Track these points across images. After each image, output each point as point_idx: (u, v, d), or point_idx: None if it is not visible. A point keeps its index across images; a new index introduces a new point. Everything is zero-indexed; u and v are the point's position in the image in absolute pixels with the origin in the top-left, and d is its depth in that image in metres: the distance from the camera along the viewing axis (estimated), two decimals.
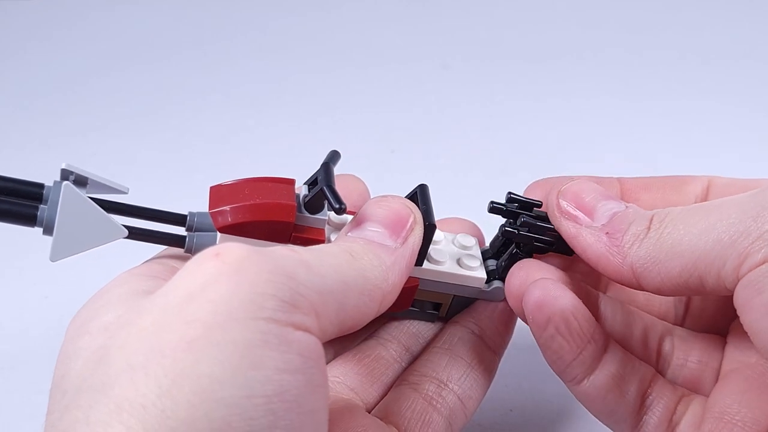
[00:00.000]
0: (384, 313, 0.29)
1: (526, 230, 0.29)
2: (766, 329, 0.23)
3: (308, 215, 0.28)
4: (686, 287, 0.26)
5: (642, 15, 0.74)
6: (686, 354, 0.30)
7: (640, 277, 0.26)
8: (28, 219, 0.26)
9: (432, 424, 0.28)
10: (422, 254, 0.28)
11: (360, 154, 0.54)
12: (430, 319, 0.31)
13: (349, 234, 0.26)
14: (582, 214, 0.28)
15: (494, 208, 0.30)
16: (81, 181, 0.28)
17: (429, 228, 0.27)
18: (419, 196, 0.28)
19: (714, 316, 0.31)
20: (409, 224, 0.26)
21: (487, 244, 0.32)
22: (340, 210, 0.26)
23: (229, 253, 0.21)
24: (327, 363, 0.30)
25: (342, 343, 0.31)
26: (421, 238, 0.27)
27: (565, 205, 0.29)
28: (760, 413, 0.27)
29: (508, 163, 0.53)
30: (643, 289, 0.27)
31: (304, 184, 0.28)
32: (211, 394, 0.19)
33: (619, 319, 0.30)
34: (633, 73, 0.64)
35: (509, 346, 0.31)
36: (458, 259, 0.30)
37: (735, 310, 0.30)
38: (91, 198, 0.27)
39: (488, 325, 0.30)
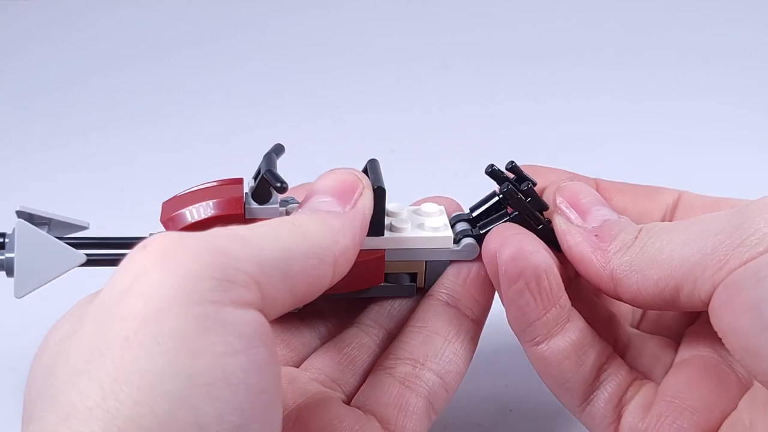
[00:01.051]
0: (360, 291, 0.29)
1: (526, 198, 0.29)
2: (743, 327, 0.23)
3: (258, 206, 0.28)
4: (661, 298, 0.26)
5: (642, 15, 0.74)
6: (641, 348, 0.30)
7: (618, 284, 0.27)
8: None
9: (409, 407, 0.27)
10: (380, 223, 0.28)
11: (360, 154, 0.54)
12: (410, 292, 0.31)
13: (299, 210, 0.26)
14: (575, 214, 0.29)
15: (493, 172, 0.30)
16: (41, 222, 0.28)
17: (379, 191, 0.27)
18: (369, 168, 0.28)
19: (669, 323, 0.31)
20: (358, 190, 0.26)
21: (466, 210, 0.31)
22: (281, 188, 0.26)
23: (154, 243, 0.21)
24: (313, 352, 0.30)
25: (330, 330, 0.31)
26: (372, 201, 0.27)
27: (560, 202, 0.29)
28: (710, 401, 0.27)
29: None
30: (618, 298, 0.27)
31: (252, 178, 0.28)
32: (153, 389, 0.18)
33: (585, 300, 0.30)
34: (633, 73, 0.64)
35: (508, 345, 0.31)
36: (421, 224, 0.30)
37: (691, 319, 0.30)
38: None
39: (462, 293, 0.30)
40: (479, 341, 0.30)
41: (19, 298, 0.27)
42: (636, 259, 0.26)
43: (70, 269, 0.27)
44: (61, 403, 0.19)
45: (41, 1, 0.77)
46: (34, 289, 0.27)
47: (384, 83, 0.64)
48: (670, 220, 0.31)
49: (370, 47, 0.69)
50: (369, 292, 0.30)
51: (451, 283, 0.30)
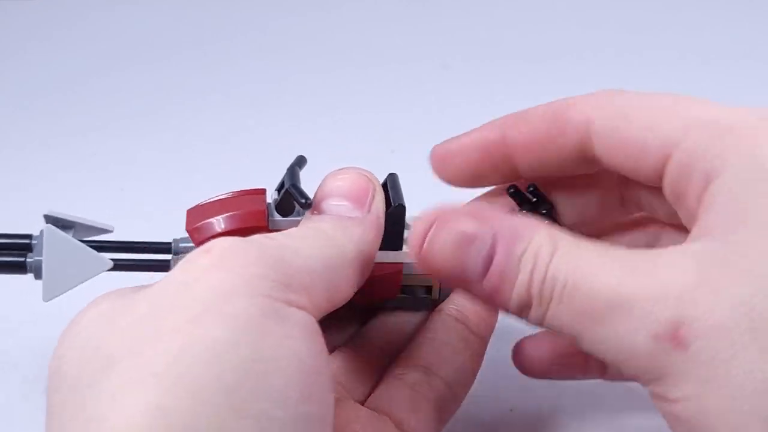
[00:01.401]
0: (377, 302, 0.30)
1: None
2: None
3: (281, 218, 0.28)
4: None
5: (642, 15, 0.74)
6: None
7: None
8: (19, 268, 0.29)
9: (421, 410, 0.28)
10: (399, 238, 0.29)
11: (360, 154, 0.54)
12: (426, 304, 0.31)
13: (315, 213, 0.26)
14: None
15: (515, 193, 0.29)
16: (66, 225, 0.29)
17: (399, 209, 0.28)
18: (389, 183, 0.29)
19: None
20: (370, 192, 0.26)
21: None
22: (306, 204, 0.26)
23: (217, 246, 0.22)
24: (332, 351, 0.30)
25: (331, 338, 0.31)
26: (383, 202, 0.27)
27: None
28: None
29: None
30: None
31: (275, 190, 0.29)
32: (223, 355, 0.19)
33: None
34: (633, 73, 0.64)
35: (509, 345, 0.31)
36: None
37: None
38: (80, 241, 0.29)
39: (470, 309, 0.30)
40: None
41: (47, 301, 0.28)
42: None
43: (97, 274, 0.28)
44: (123, 369, 0.19)
45: (41, 1, 0.77)
46: (61, 294, 0.28)
47: (384, 83, 0.64)
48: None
49: (370, 47, 0.69)
50: (387, 303, 0.31)
51: (462, 299, 0.31)
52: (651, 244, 0.30)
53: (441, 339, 0.29)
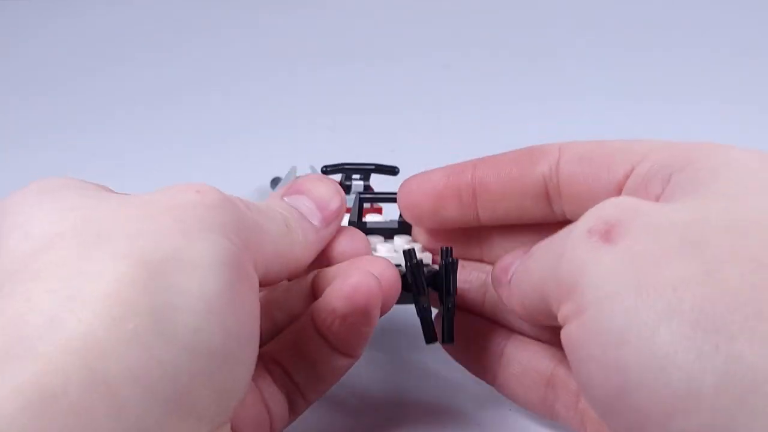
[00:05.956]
0: None
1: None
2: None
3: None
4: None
5: (642, 14, 0.74)
6: None
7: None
8: None
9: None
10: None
11: (360, 154, 0.54)
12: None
13: (286, 199, 0.28)
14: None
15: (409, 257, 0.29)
16: None
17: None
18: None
19: None
20: (339, 216, 0.29)
21: None
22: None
23: (210, 193, 0.25)
24: None
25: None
26: (339, 226, 0.29)
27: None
28: None
29: None
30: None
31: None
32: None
33: None
34: (635, 72, 0.64)
35: None
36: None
37: None
38: None
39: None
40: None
41: None
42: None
43: None
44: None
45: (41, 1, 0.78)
46: None
47: (384, 83, 0.64)
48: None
49: (370, 47, 0.69)
50: None
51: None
52: None
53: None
